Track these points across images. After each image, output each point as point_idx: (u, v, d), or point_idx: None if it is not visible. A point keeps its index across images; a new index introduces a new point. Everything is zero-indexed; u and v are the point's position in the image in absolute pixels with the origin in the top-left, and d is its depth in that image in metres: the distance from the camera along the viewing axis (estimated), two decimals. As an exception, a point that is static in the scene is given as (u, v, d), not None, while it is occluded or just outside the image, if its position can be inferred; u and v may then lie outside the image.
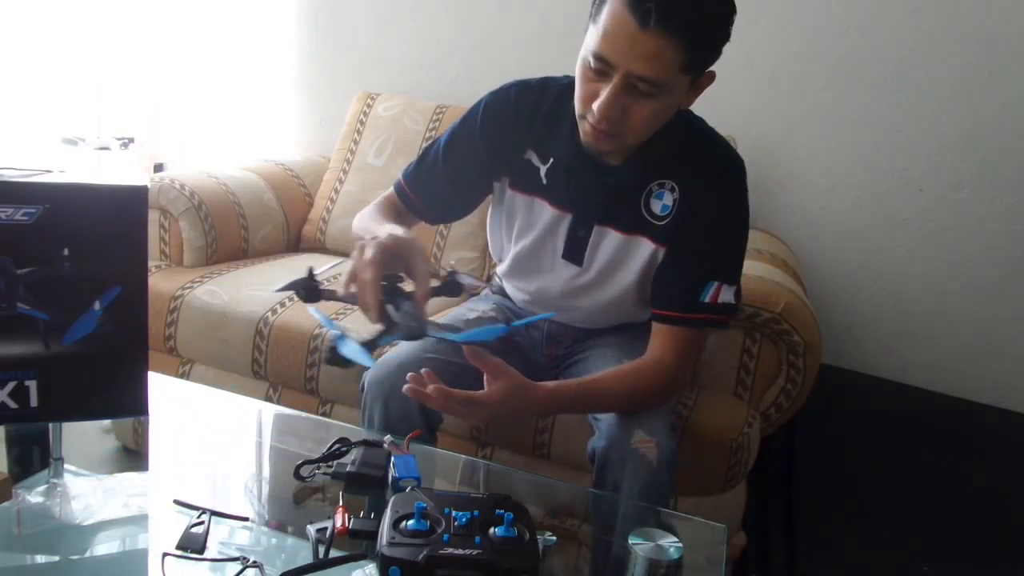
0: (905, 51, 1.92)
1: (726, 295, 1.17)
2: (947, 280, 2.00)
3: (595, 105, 1.05)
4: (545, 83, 1.23)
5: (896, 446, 1.94)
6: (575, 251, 1.24)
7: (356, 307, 0.95)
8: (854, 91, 1.98)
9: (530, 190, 1.25)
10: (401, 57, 2.39)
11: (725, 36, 1.05)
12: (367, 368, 0.94)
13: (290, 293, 1.00)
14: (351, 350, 0.92)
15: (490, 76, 2.25)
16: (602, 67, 1.03)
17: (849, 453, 1.92)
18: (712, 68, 1.08)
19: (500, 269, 1.39)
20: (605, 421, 1.16)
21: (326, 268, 1.05)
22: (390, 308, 0.95)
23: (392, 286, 0.96)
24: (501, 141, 1.24)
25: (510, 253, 1.32)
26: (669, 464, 1.10)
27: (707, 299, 1.16)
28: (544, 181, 1.23)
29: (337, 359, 0.93)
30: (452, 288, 1.08)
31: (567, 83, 1.18)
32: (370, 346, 0.94)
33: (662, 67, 1.00)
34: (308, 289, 1.00)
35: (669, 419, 1.18)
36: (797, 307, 1.44)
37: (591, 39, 1.04)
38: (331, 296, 1.00)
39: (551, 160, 1.22)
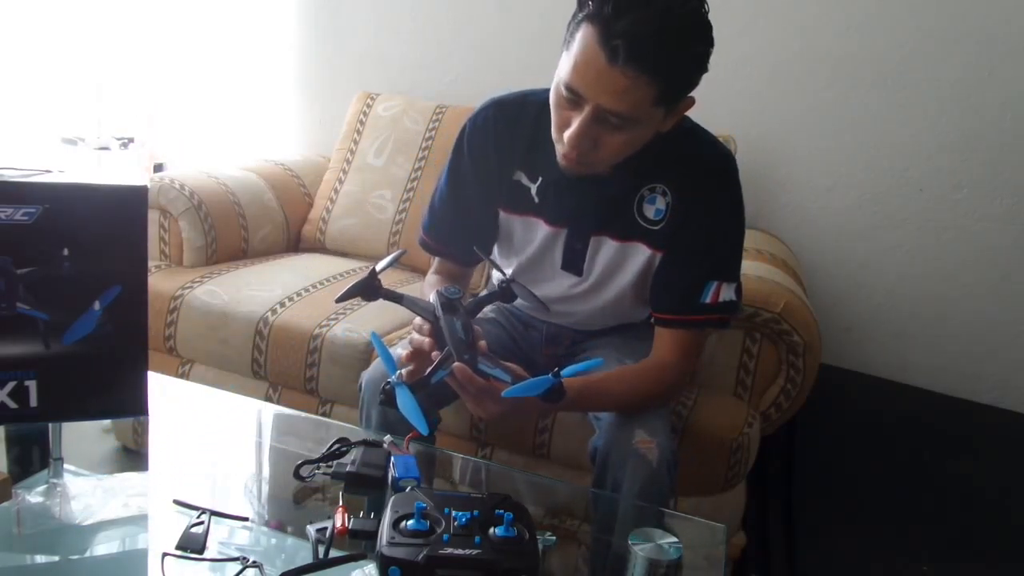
0: (905, 51, 1.92)
1: (727, 293, 1.17)
2: (947, 280, 2.00)
3: (566, 135, 1.04)
4: (524, 99, 1.21)
5: (896, 446, 1.94)
6: (574, 262, 1.24)
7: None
8: (854, 91, 1.97)
9: (523, 210, 1.23)
10: (401, 57, 2.38)
11: (702, 70, 1.02)
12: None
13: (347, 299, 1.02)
14: (405, 403, 0.92)
15: (490, 76, 2.27)
16: (573, 97, 1.01)
17: (849, 453, 1.93)
18: (691, 94, 1.05)
19: (498, 275, 1.39)
20: (605, 421, 1.16)
21: (385, 263, 1.05)
22: (445, 324, 0.98)
23: (448, 301, 1.00)
24: (488, 167, 1.22)
25: (510, 267, 1.31)
26: (669, 464, 1.10)
27: (707, 299, 1.16)
28: (536, 200, 1.22)
29: (391, 404, 0.93)
30: (507, 294, 1.10)
31: (547, 97, 1.15)
32: (424, 384, 0.95)
33: (632, 102, 0.98)
34: (370, 289, 1.01)
35: (669, 419, 1.18)
36: (797, 307, 1.44)
37: (563, 67, 1.02)
38: (391, 297, 1.03)
39: (540, 178, 1.20)
